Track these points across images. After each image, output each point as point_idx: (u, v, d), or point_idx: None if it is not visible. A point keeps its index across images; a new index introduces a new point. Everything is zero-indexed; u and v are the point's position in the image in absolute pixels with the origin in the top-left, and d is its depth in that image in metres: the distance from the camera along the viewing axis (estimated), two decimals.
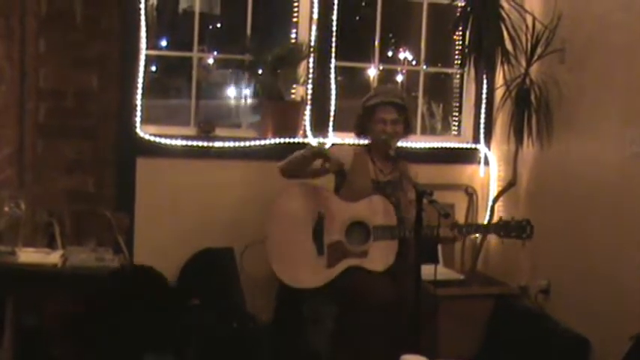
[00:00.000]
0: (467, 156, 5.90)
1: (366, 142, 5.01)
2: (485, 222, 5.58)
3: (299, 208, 4.73)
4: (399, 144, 5.00)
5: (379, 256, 4.71)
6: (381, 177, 4.89)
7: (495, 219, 5.61)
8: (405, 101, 4.92)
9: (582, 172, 4.99)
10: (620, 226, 4.65)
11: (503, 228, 4.79)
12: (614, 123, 4.75)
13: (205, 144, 5.38)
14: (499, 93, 5.56)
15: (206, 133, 5.44)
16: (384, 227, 4.71)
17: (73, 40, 5.05)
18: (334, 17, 5.57)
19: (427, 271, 4.50)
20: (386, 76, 6.21)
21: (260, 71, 5.54)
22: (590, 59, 4.95)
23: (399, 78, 6.44)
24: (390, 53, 6.41)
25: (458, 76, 6.04)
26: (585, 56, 4.99)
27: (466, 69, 5.77)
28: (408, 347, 3.38)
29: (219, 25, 6.10)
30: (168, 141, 5.31)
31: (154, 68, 5.68)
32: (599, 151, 4.86)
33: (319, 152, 4.69)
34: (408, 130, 4.95)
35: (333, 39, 5.59)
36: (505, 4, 5.33)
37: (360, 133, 5.02)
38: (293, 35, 5.63)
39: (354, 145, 5.18)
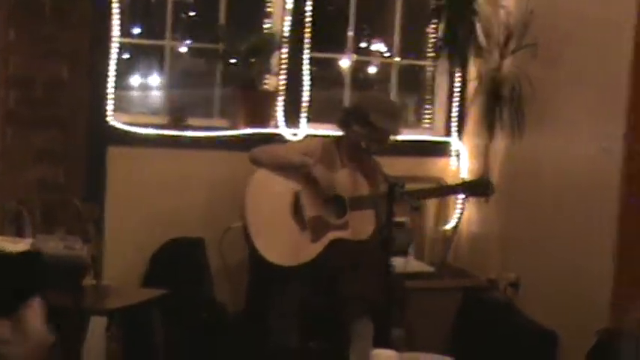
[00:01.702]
0: (439, 149, 5.91)
1: (339, 134, 4.97)
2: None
3: (275, 188, 4.72)
4: None
5: (360, 225, 4.71)
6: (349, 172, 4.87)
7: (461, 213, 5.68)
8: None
9: (553, 167, 5.02)
10: (590, 221, 4.68)
11: (467, 187, 4.94)
12: (585, 118, 4.78)
13: (177, 133, 5.36)
14: (472, 86, 5.59)
15: (178, 122, 5.42)
16: (359, 197, 4.72)
17: (42, 28, 5.00)
18: (308, 7, 5.55)
19: (398, 263, 4.53)
20: (359, 67, 6.20)
21: (233, 61, 5.52)
22: (563, 54, 4.98)
23: (372, 69, 6.44)
24: (363, 44, 6.40)
25: (431, 68, 6.04)
26: (558, 51, 5.01)
27: (439, 62, 5.77)
28: (377, 342, 3.39)
29: (192, 14, 6.06)
30: (139, 130, 5.28)
31: (126, 56, 5.63)
32: (570, 146, 4.89)
33: (309, 171, 4.70)
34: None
35: (307, 29, 5.58)
36: None
37: (341, 126, 4.94)
38: (267, 25, 5.61)
39: (322, 137, 5.15)
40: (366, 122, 4.77)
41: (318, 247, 4.66)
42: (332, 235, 4.68)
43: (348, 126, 4.86)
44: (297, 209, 4.69)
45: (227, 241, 5.04)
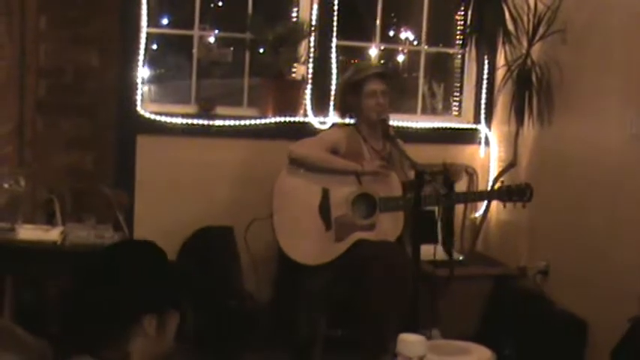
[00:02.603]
0: (467, 136, 5.90)
1: (352, 121, 4.92)
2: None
3: (304, 184, 4.68)
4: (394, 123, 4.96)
5: (388, 227, 4.67)
6: (376, 157, 4.83)
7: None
8: (390, 70, 4.89)
9: (582, 154, 4.99)
10: (620, 207, 4.66)
11: (505, 193, 4.79)
12: (614, 104, 4.75)
13: (206, 122, 5.38)
14: (500, 73, 5.56)
15: (207, 111, 5.44)
16: (390, 198, 4.66)
17: (73, 16, 5.05)
18: None
19: (427, 251, 4.51)
20: (387, 56, 6.20)
21: (261, 50, 5.53)
22: (591, 40, 4.95)
23: (400, 58, 6.43)
24: (391, 33, 6.39)
25: (459, 56, 6.02)
26: (586, 37, 4.99)
27: (467, 49, 5.75)
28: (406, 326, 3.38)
29: (220, 4, 6.08)
30: (168, 119, 5.30)
31: (155, 45, 5.66)
32: (599, 133, 4.86)
33: (362, 172, 4.68)
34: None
35: (335, 18, 5.57)
36: None
37: (345, 113, 4.95)
38: (294, 14, 5.62)
39: (343, 125, 5.08)
40: (356, 87, 4.78)
41: (341, 248, 4.62)
42: (357, 235, 4.64)
43: (348, 106, 4.88)
44: (324, 207, 4.67)
45: (255, 230, 5.04)
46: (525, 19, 5.25)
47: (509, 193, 4.78)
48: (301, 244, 4.63)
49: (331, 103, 5.55)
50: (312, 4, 5.52)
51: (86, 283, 2.28)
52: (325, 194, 4.67)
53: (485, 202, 5.63)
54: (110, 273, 2.27)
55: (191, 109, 5.48)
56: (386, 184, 4.71)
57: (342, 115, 4.98)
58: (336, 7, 5.56)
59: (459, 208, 5.82)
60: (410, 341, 2.84)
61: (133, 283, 2.25)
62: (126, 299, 2.23)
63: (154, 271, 2.31)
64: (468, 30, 5.50)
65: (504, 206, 4.95)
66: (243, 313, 4.98)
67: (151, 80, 5.55)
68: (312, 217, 4.65)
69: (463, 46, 5.80)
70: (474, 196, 5.23)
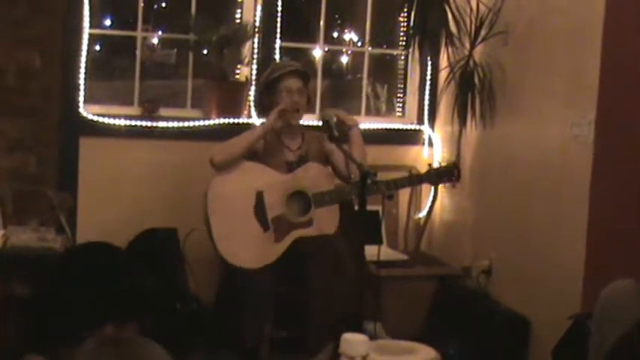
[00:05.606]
0: (411, 137, 5.93)
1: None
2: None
3: (237, 189, 4.66)
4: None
5: (325, 222, 4.68)
6: (291, 157, 4.84)
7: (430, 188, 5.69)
8: (306, 69, 4.87)
9: (524, 154, 5.04)
10: (561, 207, 4.71)
11: (435, 175, 4.88)
12: (555, 105, 4.80)
13: (149, 124, 5.34)
14: (443, 75, 5.61)
15: (150, 113, 5.40)
16: (323, 193, 4.67)
17: (15, 17, 4.98)
18: None
19: (371, 251, 4.54)
20: (331, 57, 6.21)
21: (205, 51, 5.52)
22: (533, 42, 5.00)
23: (344, 59, 6.45)
24: (335, 34, 6.41)
25: (402, 57, 6.05)
26: (528, 39, 5.03)
27: (411, 50, 5.78)
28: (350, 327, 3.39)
29: (163, 5, 6.05)
30: (111, 121, 5.26)
31: (97, 47, 5.62)
32: (541, 133, 4.91)
33: (270, 127, 4.67)
34: (309, 103, 4.91)
35: (278, 19, 5.58)
36: None
37: (263, 112, 4.94)
38: (238, 15, 5.60)
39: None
40: (272, 85, 4.77)
41: (281, 248, 4.62)
42: (296, 233, 4.65)
43: (264, 105, 4.87)
44: (259, 210, 4.65)
45: (198, 232, 5.02)
46: (468, 20, 5.30)
47: (438, 174, 4.88)
48: (241, 248, 4.60)
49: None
50: (255, 6, 5.51)
51: (58, 284, 2.28)
52: (259, 197, 4.65)
53: (430, 201, 5.68)
54: (84, 276, 2.29)
55: (134, 110, 5.44)
56: (319, 178, 4.74)
57: (260, 115, 4.94)
58: (279, 9, 5.56)
59: (403, 208, 5.87)
60: (353, 341, 2.86)
61: (103, 289, 2.28)
62: (94, 305, 2.25)
63: (125, 282, 2.31)
64: (411, 31, 5.53)
65: (435, 189, 5.01)
66: (189, 315, 4.96)
67: (93, 81, 5.49)
68: (249, 221, 4.63)
69: (406, 47, 5.83)
70: (404, 182, 5.17)
